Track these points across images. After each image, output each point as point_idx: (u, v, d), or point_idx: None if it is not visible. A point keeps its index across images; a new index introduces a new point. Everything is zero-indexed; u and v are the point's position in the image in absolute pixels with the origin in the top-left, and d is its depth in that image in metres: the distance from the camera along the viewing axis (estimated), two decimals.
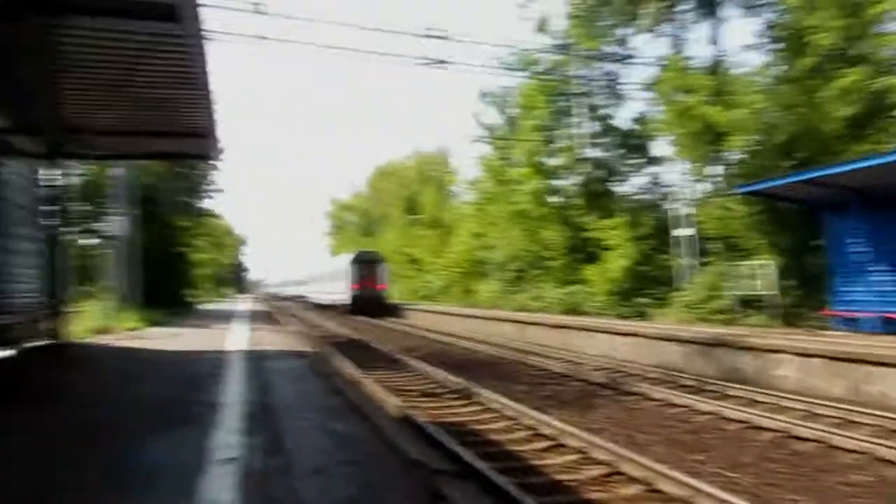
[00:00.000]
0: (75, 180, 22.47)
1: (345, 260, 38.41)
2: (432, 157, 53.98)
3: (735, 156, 19.20)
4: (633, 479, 5.76)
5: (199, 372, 8.88)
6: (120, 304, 17.70)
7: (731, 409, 8.66)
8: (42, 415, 5.93)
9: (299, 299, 57.27)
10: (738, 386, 10.40)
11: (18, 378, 8.47)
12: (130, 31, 6.99)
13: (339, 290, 37.57)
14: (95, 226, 23.99)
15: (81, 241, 23.92)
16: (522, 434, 7.55)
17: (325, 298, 42.26)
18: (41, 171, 12.39)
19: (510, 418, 8.25)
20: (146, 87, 8.77)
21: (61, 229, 11.80)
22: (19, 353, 10.76)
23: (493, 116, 33.66)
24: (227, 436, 5.13)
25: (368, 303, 34.50)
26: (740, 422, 8.13)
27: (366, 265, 36.26)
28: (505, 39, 40.40)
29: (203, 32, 7.18)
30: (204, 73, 8.15)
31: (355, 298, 35.18)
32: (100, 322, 15.34)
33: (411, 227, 47.10)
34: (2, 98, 9.00)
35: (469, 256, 33.83)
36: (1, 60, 7.51)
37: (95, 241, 23.08)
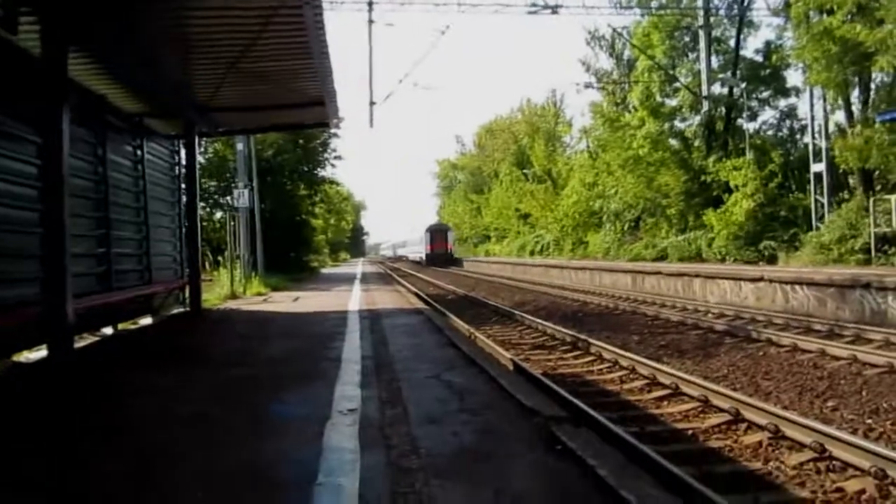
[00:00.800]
0: (201, 158, 24.19)
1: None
2: (541, 109, 52.84)
3: (881, 79, 17.37)
4: (757, 427, 5.56)
5: (323, 330, 9.46)
6: (246, 271, 18.98)
7: (870, 353, 8.08)
8: (185, 374, 6.56)
9: (405, 259, 72.07)
10: (879, 329, 9.66)
11: (161, 343, 9.33)
12: (251, 7, 7.23)
13: (421, 251, 56.45)
14: (222, 199, 25.81)
15: (210, 215, 25.81)
16: (639, 383, 7.47)
17: (416, 257, 60.82)
18: (174, 151, 13.45)
19: (625, 368, 8.17)
20: (266, 61, 9.06)
21: (194, 204, 12.77)
22: (160, 321, 11.90)
23: (604, 60, 32.49)
24: (350, 388, 5.47)
25: (438, 257, 51.86)
26: (881, 367, 7.57)
27: (436, 233, 54.80)
28: None
29: (320, 1, 7.20)
30: (322, 42, 8.29)
31: (428, 255, 53.26)
32: (228, 289, 16.54)
33: (521, 182, 46.72)
34: (141, 84, 9.77)
35: (581, 208, 33.22)
36: (139, 48, 8.11)
37: (222, 213, 24.80)
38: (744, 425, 5.69)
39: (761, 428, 5.50)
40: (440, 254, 52.76)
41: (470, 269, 42.10)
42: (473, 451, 3.85)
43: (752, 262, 19.06)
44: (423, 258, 54.90)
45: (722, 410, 6.06)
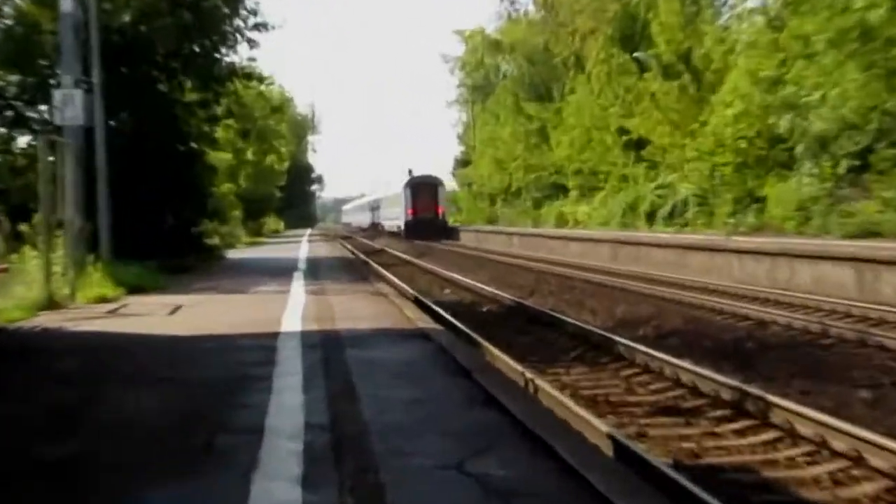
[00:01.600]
0: None
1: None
2: None
3: None
4: None
5: (228, 372, 9.53)
6: (77, 254, 18.95)
7: None
8: None
9: (381, 228, 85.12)
10: None
11: None
12: None
13: (400, 216, 69.87)
14: (29, 110, 25.87)
15: (6, 141, 25.94)
16: (871, 487, 7.40)
17: (393, 226, 75.49)
18: None
19: (843, 455, 8.11)
20: None
21: None
22: None
23: None
24: (282, 490, 5.41)
25: (424, 226, 64.34)
26: None
27: (421, 188, 68.16)
28: None
29: None
30: None
31: (409, 223, 66.49)
32: (42, 290, 16.52)
33: (629, 75, 46.36)
34: None
35: (752, 128, 32.95)
36: None
37: (31, 138, 24.89)
38: None
39: None
40: (426, 220, 66.43)
41: (525, 253, 42.24)
42: None
43: None
44: (402, 228, 68.09)
45: None
